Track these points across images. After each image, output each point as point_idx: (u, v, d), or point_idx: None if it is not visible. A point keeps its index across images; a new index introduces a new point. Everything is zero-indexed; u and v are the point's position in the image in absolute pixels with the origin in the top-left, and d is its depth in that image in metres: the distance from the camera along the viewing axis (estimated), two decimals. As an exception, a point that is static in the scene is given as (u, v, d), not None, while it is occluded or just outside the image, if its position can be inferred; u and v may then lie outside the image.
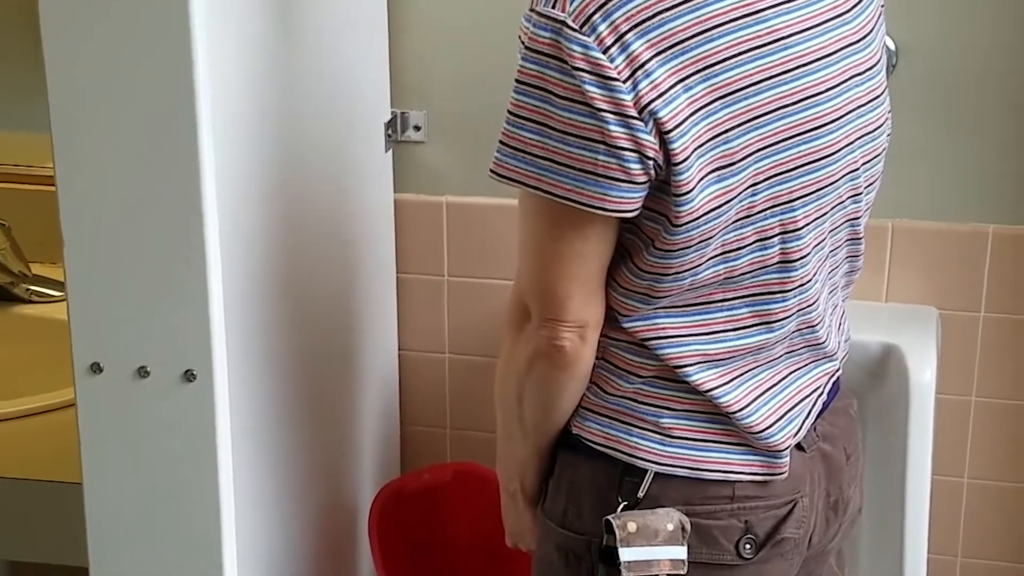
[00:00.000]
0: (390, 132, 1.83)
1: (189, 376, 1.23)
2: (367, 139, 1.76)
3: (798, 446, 1.23)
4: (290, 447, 1.53)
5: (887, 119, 1.23)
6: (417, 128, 1.84)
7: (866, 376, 1.68)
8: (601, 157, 1.05)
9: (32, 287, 1.85)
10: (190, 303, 1.22)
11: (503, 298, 1.91)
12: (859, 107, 1.17)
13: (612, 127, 1.05)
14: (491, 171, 1.11)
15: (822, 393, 1.27)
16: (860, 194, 1.21)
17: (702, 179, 1.08)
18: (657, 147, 1.06)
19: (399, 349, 1.93)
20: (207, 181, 1.20)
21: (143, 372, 1.24)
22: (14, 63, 1.87)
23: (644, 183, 1.07)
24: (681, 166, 1.06)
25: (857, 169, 1.19)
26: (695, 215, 1.08)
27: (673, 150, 1.06)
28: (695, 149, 1.07)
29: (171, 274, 1.21)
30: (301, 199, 1.52)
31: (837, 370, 1.29)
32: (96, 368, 1.24)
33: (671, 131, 1.05)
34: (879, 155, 1.23)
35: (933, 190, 1.73)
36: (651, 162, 1.06)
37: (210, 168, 1.20)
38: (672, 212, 1.08)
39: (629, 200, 1.07)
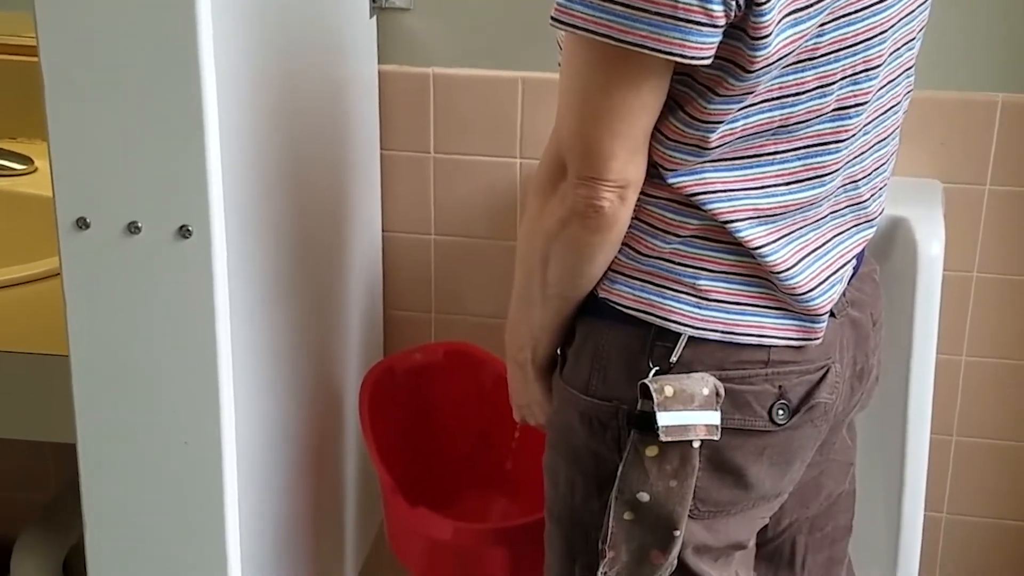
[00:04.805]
0: (374, -2, 1.74)
1: (184, 232, 1.15)
2: (350, 5, 1.67)
3: (830, 312, 1.19)
4: (281, 321, 1.46)
5: None
6: (403, -7, 1.75)
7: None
8: None
9: (-9, 160, 1.76)
10: (185, 151, 1.13)
11: (492, 176, 1.87)
12: None
13: None
14: (553, 18, 1.04)
15: (856, 260, 1.24)
16: (914, 39, 1.18)
17: (780, 22, 1.03)
18: None
19: (383, 230, 1.86)
20: (203, 26, 1.11)
21: (133, 228, 1.16)
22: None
23: (722, 27, 1.01)
24: (764, 7, 1.01)
25: (912, 11, 1.16)
26: (769, 60, 1.04)
27: None
28: None
29: (164, 118, 1.13)
30: (286, 67, 1.43)
31: (873, 238, 1.26)
32: (82, 223, 1.16)
33: None
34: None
35: (939, 57, 1.67)
36: (733, 3, 1.00)
37: (207, 12, 1.11)
38: (746, 57, 1.03)
39: (707, 46, 1.02)
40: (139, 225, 1.16)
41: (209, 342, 1.19)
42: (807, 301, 1.16)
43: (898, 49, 1.17)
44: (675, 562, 1.20)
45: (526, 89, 1.77)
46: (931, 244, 1.61)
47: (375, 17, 1.75)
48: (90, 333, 1.21)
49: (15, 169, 1.76)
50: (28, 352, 1.40)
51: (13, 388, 1.43)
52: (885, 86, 1.17)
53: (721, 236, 1.14)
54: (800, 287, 1.15)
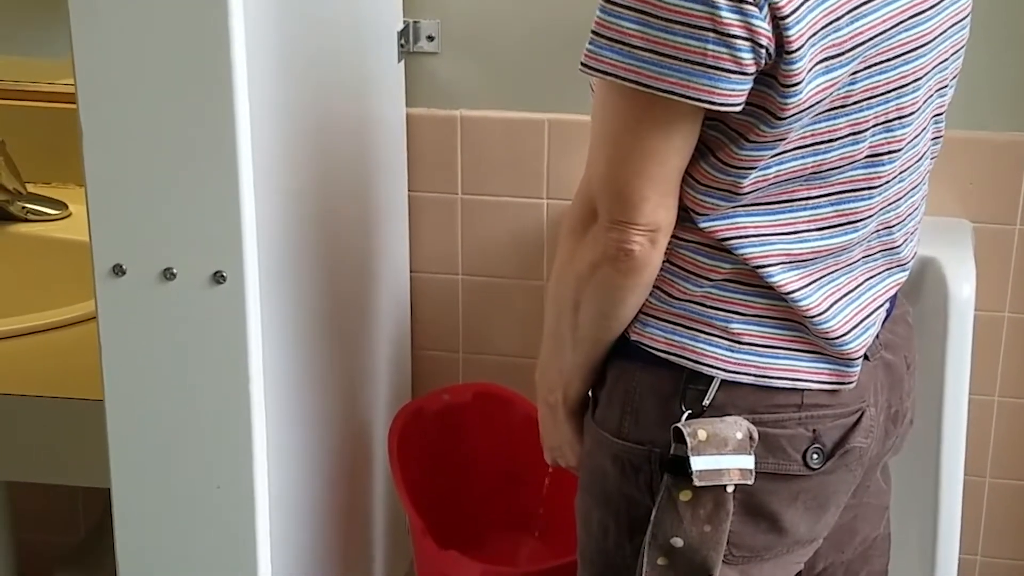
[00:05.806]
0: (402, 42, 1.75)
1: (218, 278, 1.16)
2: (378, 50, 1.69)
3: (863, 355, 1.19)
4: (311, 364, 1.46)
5: (970, 9, 1.20)
6: (430, 38, 1.77)
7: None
8: (711, 46, 1.00)
9: (28, 205, 1.77)
10: (219, 199, 1.14)
11: (519, 217, 1.88)
12: None
13: (724, 13, 0.99)
14: (583, 64, 1.05)
15: (889, 303, 1.23)
16: (946, 87, 1.19)
17: (811, 69, 1.03)
18: (771, 35, 1.00)
19: (410, 271, 1.87)
20: (239, 72, 1.12)
21: (169, 274, 1.17)
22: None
23: (752, 74, 1.02)
24: (795, 55, 1.01)
25: (946, 59, 1.16)
26: (801, 107, 1.04)
27: (788, 37, 1.00)
28: (809, 37, 1.02)
29: (199, 167, 1.14)
30: (317, 111, 1.44)
31: (905, 281, 1.25)
32: (118, 270, 1.17)
33: (787, 17, 1.00)
34: (963, 47, 1.20)
35: (969, 98, 1.67)
36: (763, 51, 1.01)
37: (241, 59, 1.12)
38: (777, 104, 1.03)
39: (737, 93, 1.02)
40: (174, 271, 1.17)
41: (242, 387, 1.20)
42: (841, 345, 1.16)
43: (931, 97, 1.17)
44: (709, 608, 1.18)
45: (552, 131, 1.78)
46: (962, 285, 1.60)
47: (403, 61, 1.77)
48: (125, 378, 1.21)
49: (49, 214, 1.77)
50: (57, 396, 1.41)
51: (45, 433, 1.43)
52: (919, 134, 1.17)
53: (753, 280, 1.14)
54: (833, 331, 1.15)
